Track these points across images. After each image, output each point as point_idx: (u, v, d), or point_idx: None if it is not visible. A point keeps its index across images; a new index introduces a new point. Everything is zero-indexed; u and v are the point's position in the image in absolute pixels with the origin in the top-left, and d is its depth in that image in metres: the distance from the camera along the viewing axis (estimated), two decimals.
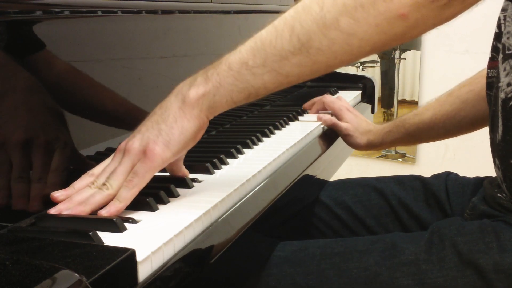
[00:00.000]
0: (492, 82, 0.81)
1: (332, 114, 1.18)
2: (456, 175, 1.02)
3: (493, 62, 0.82)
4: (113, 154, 0.65)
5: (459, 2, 0.53)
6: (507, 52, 0.75)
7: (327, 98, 1.22)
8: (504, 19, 0.79)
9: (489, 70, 0.83)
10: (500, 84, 0.76)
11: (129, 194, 0.60)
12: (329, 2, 0.55)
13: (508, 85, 0.74)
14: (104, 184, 0.60)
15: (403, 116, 1.09)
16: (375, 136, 1.10)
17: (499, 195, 0.78)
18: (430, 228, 0.77)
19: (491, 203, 0.80)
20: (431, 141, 1.10)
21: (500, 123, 0.76)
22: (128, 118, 0.82)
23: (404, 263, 0.73)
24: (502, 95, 0.75)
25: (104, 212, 0.58)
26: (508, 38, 0.75)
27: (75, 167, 0.67)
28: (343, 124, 1.12)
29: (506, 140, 0.75)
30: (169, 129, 0.61)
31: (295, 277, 0.76)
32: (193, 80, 0.63)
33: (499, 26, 0.81)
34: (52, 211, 0.58)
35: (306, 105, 1.28)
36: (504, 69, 0.75)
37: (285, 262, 0.78)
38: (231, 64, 0.60)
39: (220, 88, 0.61)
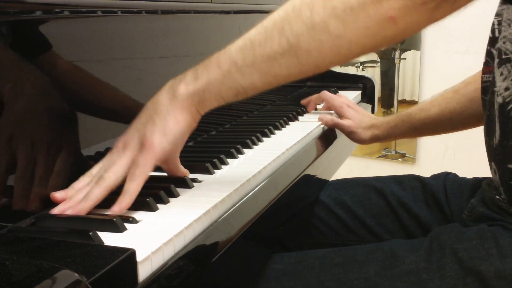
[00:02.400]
0: (486, 87, 0.81)
1: (332, 114, 1.18)
2: (455, 175, 1.02)
3: (487, 67, 0.82)
4: (108, 152, 0.65)
5: (448, 4, 0.53)
6: (503, 56, 0.75)
7: (326, 94, 1.22)
8: (499, 24, 0.78)
9: (483, 75, 0.83)
10: (496, 89, 0.75)
11: (134, 185, 0.59)
12: (319, 5, 0.55)
13: (506, 89, 0.74)
14: (100, 177, 0.60)
15: (408, 110, 1.09)
16: (379, 130, 1.10)
17: (497, 197, 0.78)
18: (429, 235, 0.77)
19: (489, 205, 0.79)
20: (437, 134, 1.10)
21: (498, 127, 0.75)
22: (128, 118, 0.82)
23: (404, 273, 0.72)
24: (499, 99, 0.75)
25: (116, 209, 0.58)
26: (504, 42, 0.75)
27: (78, 168, 0.67)
28: (345, 122, 1.12)
29: (504, 145, 0.74)
30: (163, 120, 0.62)
31: None
32: (183, 77, 0.64)
33: (493, 31, 0.80)
34: (55, 211, 0.58)
35: (304, 101, 1.28)
36: (501, 74, 0.75)
37: (284, 275, 0.77)
38: (220, 62, 0.61)
39: (209, 85, 0.62)
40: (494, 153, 0.77)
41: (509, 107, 0.73)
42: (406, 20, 0.53)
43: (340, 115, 1.15)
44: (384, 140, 1.12)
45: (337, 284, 0.74)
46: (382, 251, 0.76)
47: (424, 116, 1.05)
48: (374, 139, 1.11)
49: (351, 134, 1.11)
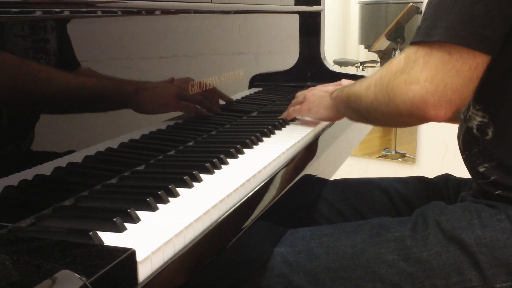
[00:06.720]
0: None
1: None
2: (455, 177, 1.04)
3: None
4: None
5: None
6: None
7: None
8: None
9: None
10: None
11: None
12: (368, 103, 0.80)
13: None
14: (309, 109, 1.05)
15: None
16: None
17: (483, 187, 0.81)
18: (415, 212, 0.81)
19: (476, 195, 0.84)
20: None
21: (462, 136, 0.84)
22: (128, 118, 0.82)
23: (389, 240, 0.76)
24: (461, 116, 0.85)
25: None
26: None
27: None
28: None
29: (470, 152, 0.82)
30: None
31: (286, 256, 0.79)
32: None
33: None
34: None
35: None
36: None
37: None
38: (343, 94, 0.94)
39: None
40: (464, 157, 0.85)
41: (467, 115, 0.82)
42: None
43: None
44: None
45: (325, 250, 0.79)
46: (371, 224, 0.81)
47: None
48: None
49: None
